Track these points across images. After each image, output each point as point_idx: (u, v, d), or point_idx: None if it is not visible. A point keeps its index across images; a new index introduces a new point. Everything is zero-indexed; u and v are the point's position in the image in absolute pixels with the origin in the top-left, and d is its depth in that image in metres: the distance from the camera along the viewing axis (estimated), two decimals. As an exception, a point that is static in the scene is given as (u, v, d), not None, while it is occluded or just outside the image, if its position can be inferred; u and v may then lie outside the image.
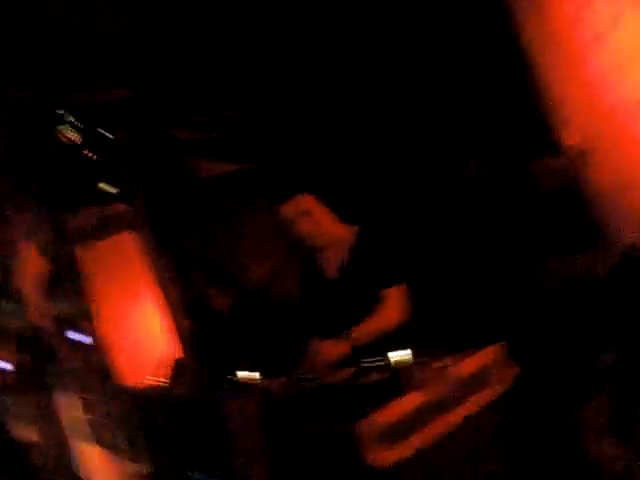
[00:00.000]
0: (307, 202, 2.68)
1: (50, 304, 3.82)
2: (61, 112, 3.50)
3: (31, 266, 3.79)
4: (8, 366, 4.12)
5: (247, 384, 2.51)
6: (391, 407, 1.97)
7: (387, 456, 1.81)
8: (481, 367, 2.19)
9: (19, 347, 3.85)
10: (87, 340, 3.86)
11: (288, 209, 2.66)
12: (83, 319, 3.84)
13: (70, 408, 3.55)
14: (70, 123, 3.55)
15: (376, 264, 2.58)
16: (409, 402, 1.98)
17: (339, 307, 2.58)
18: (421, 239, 3.24)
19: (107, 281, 3.91)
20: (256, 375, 2.57)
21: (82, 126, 3.57)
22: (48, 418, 3.64)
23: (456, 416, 1.97)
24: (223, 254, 4.03)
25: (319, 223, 2.68)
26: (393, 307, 2.49)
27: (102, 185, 3.77)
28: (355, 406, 2.02)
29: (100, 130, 3.66)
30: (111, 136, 3.70)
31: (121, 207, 3.92)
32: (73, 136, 3.58)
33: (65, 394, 3.63)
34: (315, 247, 2.71)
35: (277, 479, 2.03)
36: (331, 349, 2.40)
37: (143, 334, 3.99)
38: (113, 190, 3.80)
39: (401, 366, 2.24)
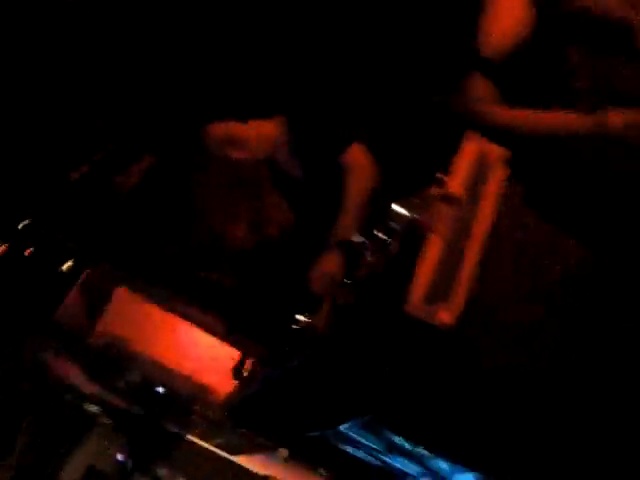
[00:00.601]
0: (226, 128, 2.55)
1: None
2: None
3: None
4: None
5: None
6: (420, 268, 1.84)
7: (446, 316, 1.70)
8: (472, 166, 2.01)
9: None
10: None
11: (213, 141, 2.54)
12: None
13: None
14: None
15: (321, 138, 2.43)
16: (431, 253, 1.83)
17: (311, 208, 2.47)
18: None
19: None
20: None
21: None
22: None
23: (479, 236, 1.81)
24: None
25: (247, 141, 2.56)
26: (358, 177, 2.33)
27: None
28: (393, 286, 1.90)
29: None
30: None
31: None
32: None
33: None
34: (257, 160, 2.61)
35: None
36: (329, 265, 2.28)
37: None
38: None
39: (403, 222, 2.10)
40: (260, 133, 2.68)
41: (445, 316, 1.71)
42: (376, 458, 2.44)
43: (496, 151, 2.01)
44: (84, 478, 4.88)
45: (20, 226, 3.11)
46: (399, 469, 2.45)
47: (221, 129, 2.70)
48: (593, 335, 1.86)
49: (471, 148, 1.98)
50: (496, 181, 1.96)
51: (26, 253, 3.24)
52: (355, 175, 2.40)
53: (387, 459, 2.35)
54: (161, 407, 4.19)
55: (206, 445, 4.71)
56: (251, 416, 3.25)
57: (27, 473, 4.54)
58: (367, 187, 2.41)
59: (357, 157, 2.49)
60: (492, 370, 1.78)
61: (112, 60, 3.17)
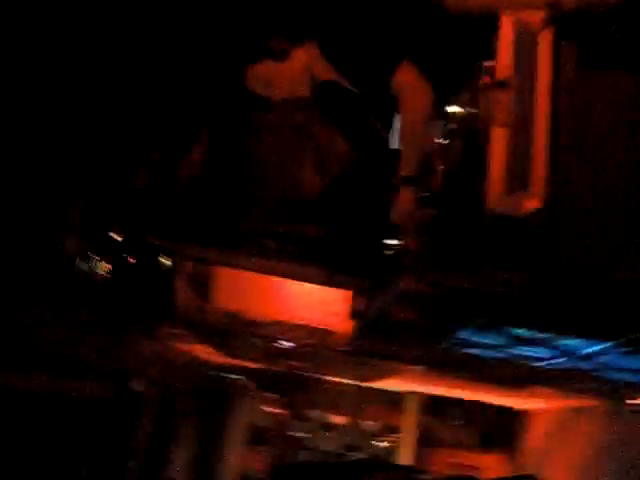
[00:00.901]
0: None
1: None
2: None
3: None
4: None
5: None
6: (491, 161, 1.79)
7: (531, 203, 1.66)
8: (515, 41, 1.89)
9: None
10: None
11: None
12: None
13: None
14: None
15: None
16: (498, 144, 1.77)
17: None
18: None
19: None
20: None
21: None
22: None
23: (543, 115, 1.72)
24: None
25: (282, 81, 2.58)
26: (413, 102, 2.29)
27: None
28: (469, 187, 1.87)
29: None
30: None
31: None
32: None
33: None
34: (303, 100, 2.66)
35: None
36: (404, 205, 2.31)
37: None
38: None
39: (461, 121, 2.04)
40: (293, 67, 2.71)
41: (530, 203, 1.67)
42: (505, 353, 2.48)
43: (536, 15, 1.88)
44: (248, 436, 5.30)
45: (116, 240, 3.31)
46: (530, 356, 2.48)
47: (260, 71, 2.77)
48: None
49: (508, 21, 1.86)
50: (545, 49, 1.84)
51: (130, 262, 3.46)
52: (410, 100, 2.35)
53: (515, 351, 2.38)
54: (292, 359, 4.42)
55: (342, 380, 4.95)
56: (377, 344, 3.37)
57: (201, 446, 4.99)
58: (424, 114, 2.34)
59: (409, 79, 2.42)
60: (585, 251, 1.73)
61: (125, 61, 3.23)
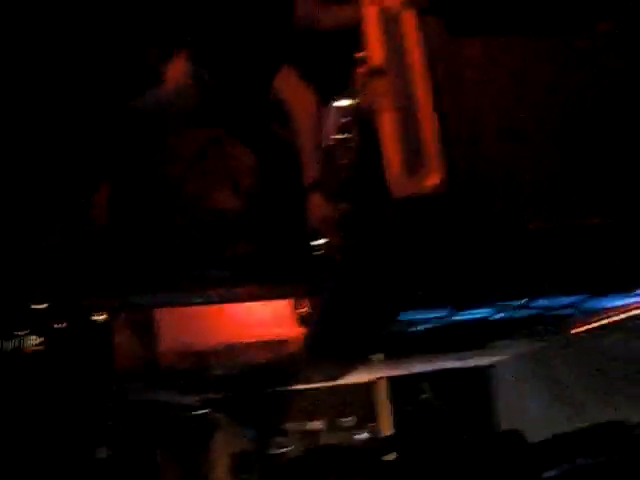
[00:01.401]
0: None
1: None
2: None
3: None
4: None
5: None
6: (385, 147, 1.83)
7: (433, 179, 1.71)
8: (381, 27, 1.94)
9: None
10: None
11: None
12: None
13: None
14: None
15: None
16: (388, 129, 1.82)
17: None
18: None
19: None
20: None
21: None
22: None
23: (424, 90, 1.78)
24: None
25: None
26: (301, 108, 2.32)
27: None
28: (373, 176, 1.92)
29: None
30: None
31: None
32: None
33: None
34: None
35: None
36: (318, 210, 2.34)
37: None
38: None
39: (350, 113, 2.08)
40: (172, 82, 2.71)
41: (431, 179, 1.72)
42: (448, 319, 2.56)
43: (396, 0, 1.94)
44: (233, 465, 5.24)
45: (40, 310, 3.19)
46: (473, 318, 2.56)
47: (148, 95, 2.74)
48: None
49: (371, 11, 1.91)
50: (410, 28, 1.90)
51: (59, 326, 3.34)
52: (298, 108, 2.37)
53: (458, 317, 2.45)
54: (256, 378, 4.40)
55: (311, 386, 4.97)
56: (330, 343, 3.40)
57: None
58: (313, 116, 2.38)
59: (290, 83, 2.45)
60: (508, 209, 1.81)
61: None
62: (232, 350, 4.19)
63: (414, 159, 1.78)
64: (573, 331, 3.54)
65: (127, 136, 3.18)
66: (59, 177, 3.15)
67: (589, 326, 3.41)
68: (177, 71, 2.78)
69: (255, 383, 4.49)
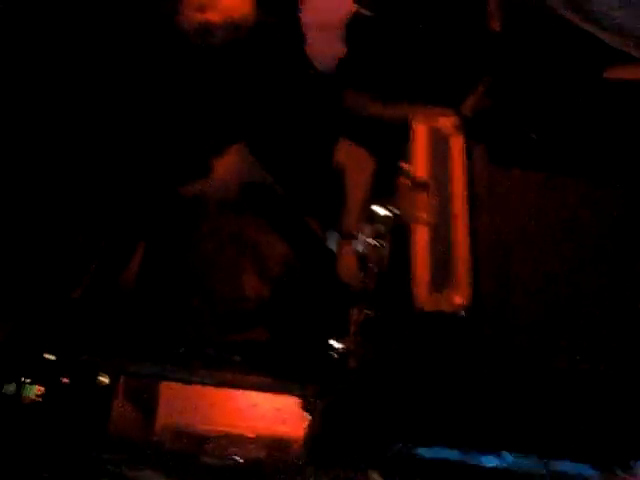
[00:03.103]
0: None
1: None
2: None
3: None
4: None
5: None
6: (415, 261, 1.88)
7: (457, 299, 1.74)
8: (429, 144, 2.05)
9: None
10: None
11: None
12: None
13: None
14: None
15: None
16: (421, 243, 1.88)
17: None
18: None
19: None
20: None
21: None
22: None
23: (461, 211, 1.86)
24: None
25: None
26: (357, 171, 2.42)
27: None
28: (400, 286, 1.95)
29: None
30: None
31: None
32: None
33: None
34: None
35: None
36: (348, 258, 2.39)
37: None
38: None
39: (387, 222, 2.15)
40: (223, 172, 2.83)
41: (457, 299, 1.75)
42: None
43: (446, 121, 2.06)
44: None
45: (49, 360, 3.21)
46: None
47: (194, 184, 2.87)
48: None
49: (421, 128, 2.03)
50: (457, 151, 2.01)
51: (64, 382, 3.33)
52: (352, 163, 2.46)
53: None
54: (250, 474, 4.26)
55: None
56: (331, 449, 3.30)
57: None
58: (367, 171, 2.45)
59: (347, 149, 2.56)
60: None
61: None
62: (229, 440, 4.10)
63: (442, 276, 1.82)
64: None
65: (167, 212, 3.33)
66: (98, 231, 3.28)
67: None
68: (226, 168, 2.92)
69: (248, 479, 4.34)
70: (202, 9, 2.77)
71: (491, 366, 1.83)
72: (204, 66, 3.28)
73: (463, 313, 1.70)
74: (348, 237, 2.51)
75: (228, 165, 2.91)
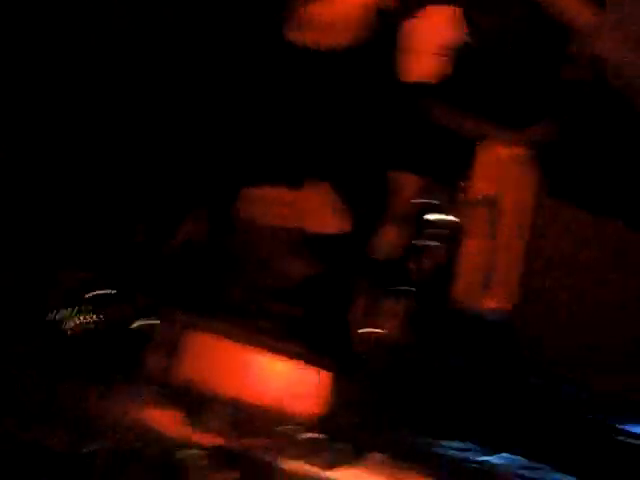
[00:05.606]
0: None
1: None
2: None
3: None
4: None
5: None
6: (461, 265, 2.18)
7: (492, 302, 2.03)
8: (492, 169, 2.34)
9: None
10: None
11: None
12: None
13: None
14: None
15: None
16: (470, 251, 2.18)
17: None
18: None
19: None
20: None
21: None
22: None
23: (509, 231, 2.16)
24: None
25: None
26: (403, 189, 2.68)
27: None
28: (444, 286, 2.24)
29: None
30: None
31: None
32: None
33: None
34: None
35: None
36: (389, 235, 2.54)
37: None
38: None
39: (447, 228, 2.42)
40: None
41: (496, 302, 2.04)
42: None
43: (514, 148, 2.35)
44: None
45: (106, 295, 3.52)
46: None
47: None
48: None
49: (486, 154, 2.32)
50: (517, 176, 2.30)
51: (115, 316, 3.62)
52: (401, 188, 2.68)
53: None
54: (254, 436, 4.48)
55: (302, 467, 4.99)
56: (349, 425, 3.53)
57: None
58: (412, 197, 2.60)
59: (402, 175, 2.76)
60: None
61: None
62: (237, 405, 4.35)
63: (485, 282, 2.12)
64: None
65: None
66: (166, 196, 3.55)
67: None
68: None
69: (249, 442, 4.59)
70: (309, 28, 2.82)
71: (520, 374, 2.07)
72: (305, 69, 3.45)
73: (501, 316, 1.98)
74: (399, 221, 2.64)
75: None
